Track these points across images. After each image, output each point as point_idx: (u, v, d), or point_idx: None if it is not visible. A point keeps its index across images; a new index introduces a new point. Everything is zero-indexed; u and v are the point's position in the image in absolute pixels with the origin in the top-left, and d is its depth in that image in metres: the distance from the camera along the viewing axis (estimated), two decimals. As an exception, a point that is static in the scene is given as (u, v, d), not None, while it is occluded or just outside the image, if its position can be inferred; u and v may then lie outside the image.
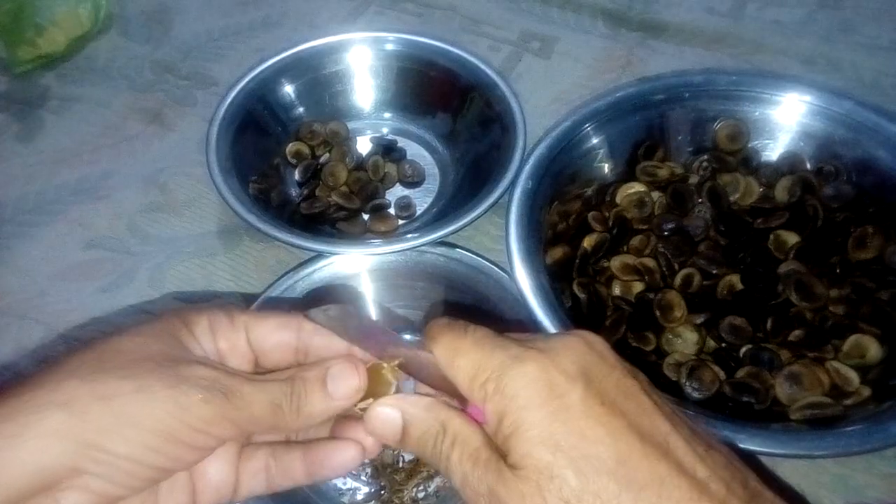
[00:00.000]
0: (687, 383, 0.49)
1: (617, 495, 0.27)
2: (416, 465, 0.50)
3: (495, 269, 0.55)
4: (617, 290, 0.55)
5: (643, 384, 0.30)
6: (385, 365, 0.32)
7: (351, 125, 0.68)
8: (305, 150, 0.66)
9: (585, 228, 0.58)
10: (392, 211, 0.63)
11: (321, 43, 0.68)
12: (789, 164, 0.60)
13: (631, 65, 0.73)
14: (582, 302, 0.54)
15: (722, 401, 0.49)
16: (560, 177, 0.58)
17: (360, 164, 0.65)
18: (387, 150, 0.67)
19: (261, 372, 0.34)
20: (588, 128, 0.59)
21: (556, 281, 0.53)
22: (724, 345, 0.52)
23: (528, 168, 0.56)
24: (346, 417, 0.34)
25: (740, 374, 0.50)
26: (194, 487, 0.33)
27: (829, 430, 0.45)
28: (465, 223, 0.55)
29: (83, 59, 0.77)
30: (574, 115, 0.60)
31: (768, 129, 0.61)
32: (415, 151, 0.68)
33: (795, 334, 0.51)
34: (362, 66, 0.69)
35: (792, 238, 0.55)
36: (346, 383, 0.32)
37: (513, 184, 0.56)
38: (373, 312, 0.58)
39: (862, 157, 0.57)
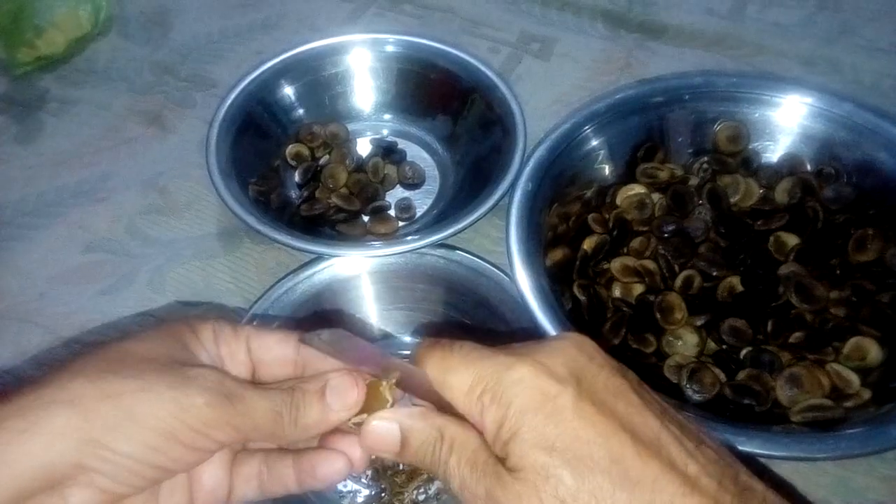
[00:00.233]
0: (687, 385, 0.49)
1: (611, 494, 0.27)
2: (417, 468, 0.50)
3: (495, 271, 0.55)
4: (617, 292, 0.55)
5: (632, 382, 0.30)
6: (383, 382, 0.33)
7: (351, 127, 0.68)
8: (305, 151, 0.66)
9: (585, 230, 0.58)
10: (392, 213, 0.63)
11: (321, 45, 0.68)
12: (789, 166, 0.60)
13: (630, 66, 0.73)
14: (582, 304, 0.54)
15: (722, 403, 0.49)
16: (560, 179, 0.58)
17: (360, 166, 0.65)
18: (387, 151, 0.67)
19: (258, 384, 0.35)
20: (588, 130, 0.59)
21: (556, 283, 0.53)
22: (724, 347, 0.52)
23: (528, 170, 0.56)
24: (336, 429, 0.34)
25: (741, 376, 0.50)
26: (192, 491, 0.33)
27: (830, 432, 0.45)
28: (465, 225, 0.55)
29: (83, 60, 0.77)
30: (574, 117, 0.60)
31: (768, 130, 0.61)
32: (415, 153, 0.68)
33: (796, 336, 0.51)
34: (362, 68, 0.69)
35: (792, 240, 0.55)
36: (344, 396, 0.33)
37: (513, 186, 0.56)
38: (372, 314, 0.58)
39: (862, 159, 0.57)
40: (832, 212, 0.56)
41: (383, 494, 0.49)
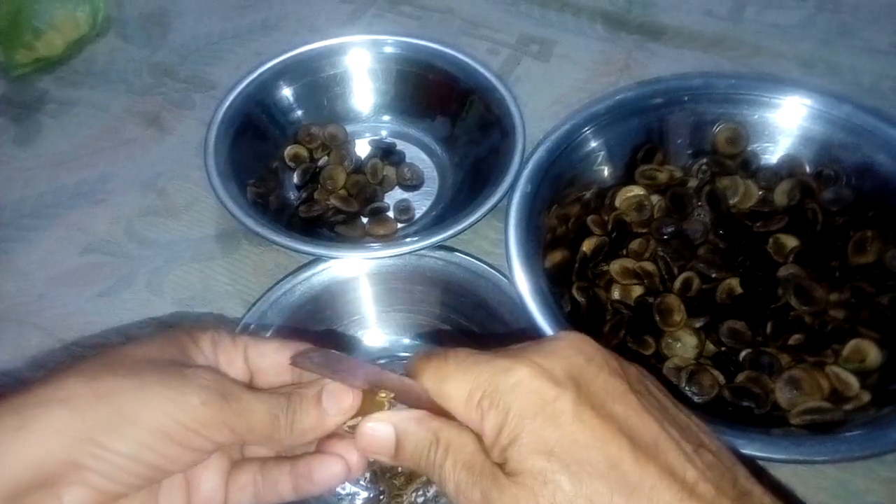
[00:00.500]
0: (686, 388, 0.49)
1: (609, 499, 0.27)
2: (415, 470, 0.50)
3: (494, 272, 0.55)
4: (616, 294, 0.55)
5: (632, 383, 0.30)
6: (382, 392, 0.33)
7: (349, 128, 0.68)
8: (304, 153, 0.66)
9: (585, 232, 0.58)
10: (391, 214, 0.63)
11: (320, 46, 0.68)
12: (788, 168, 0.60)
13: (630, 68, 0.73)
14: (581, 306, 0.54)
15: (722, 405, 0.49)
16: (559, 180, 0.58)
17: (359, 168, 0.65)
18: (385, 153, 0.66)
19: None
20: (587, 131, 0.59)
21: (555, 285, 0.53)
22: (723, 349, 0.51)
23: (527, 172, 0.56)
24: (333, 434, 0.34)
25: (740, 378, 0.49)
26: (189, 496, 0.33)
27: (830, 435, 0.45)
28: (464, 227, 0.55)
29: (81, 62, 0.77)
30: (573, 119, 0.59)
31: (767, 132, 0.61)
32: (414, 155, 0.68)
33: (795, 338, 0.50)
34: (361, 69, 0.69)
35: (791, 242, 0.55)
36: (340, 400, 0.33)
37: (512, 187, 0.56)
38: (371, 316, 0.58)
39: (861, 161, 0.57)
40: (831, 214, 0.56)
41: (382, 497, 0.49)
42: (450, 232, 0.54)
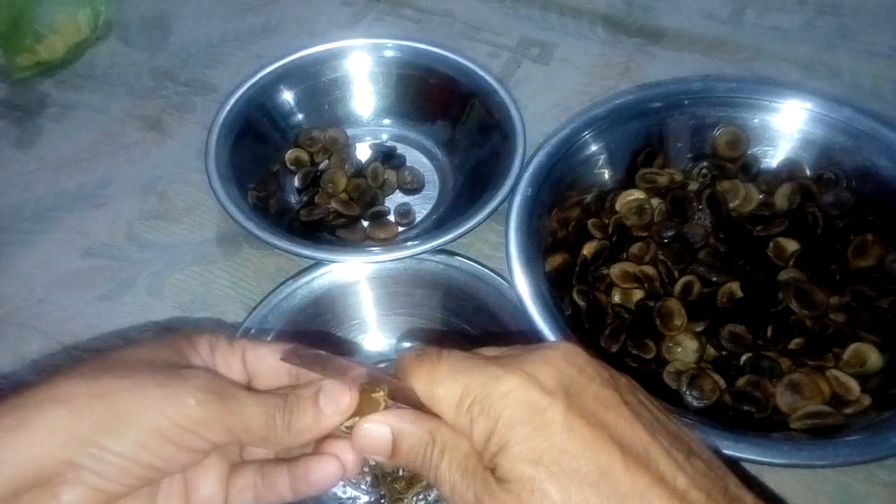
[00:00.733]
0: (687, 392, 0.49)
1: None
2: (416, 474, 0.50)
3: (495, 276, 0.55)
4: (617, 298, 0.55)
5: (623, 394, 0.30)
6: (377, 388, 0.33)
7: (350, 132, 0.68)
8: (304, 156, 0.66)
9: (585, 236, 0.58)
10: (391, 218, 0.63)
11: (320, 49, 0.68)
12: (789, 171, 0.60)
13: (630, 71, 0.73)
14: (581, 310, 0.54)
15: (722, 409, 0.49)
16: (559, 184, 0.58)
17: (360, 171, 0.65)
18: (386, 156, 0.67)
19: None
20: (587, 135, 0.59)
21: (555, 288, 0.53)
22: (724, 353, 0.51)
23: (527, 175, 0.56)
24: (330, 435, 0.34)
25: (740, 382, 0.49)
26: (188, 499, 0.33)
27: (830, 439, 0.45)
28: (464, 230, 0.55)
29: (82, 65, 0.77)
30: (573, 122, 0.60)
31: (768, 135, 0.61)
32: (414, 158, 0.68)
33: (796, 342, 0.50)
34: (361, 73, 0.69)
35: (792, 245, 0.55)
36: (337, 400, 0.33)
37: (512, 191, 0.56)
38: (371, 320, 0.58)
39: (862, 165, 0.57)
40: (832, 217, 0.56)
41: (383, 501, 0.49)
42: (450, 235, 0.54)
